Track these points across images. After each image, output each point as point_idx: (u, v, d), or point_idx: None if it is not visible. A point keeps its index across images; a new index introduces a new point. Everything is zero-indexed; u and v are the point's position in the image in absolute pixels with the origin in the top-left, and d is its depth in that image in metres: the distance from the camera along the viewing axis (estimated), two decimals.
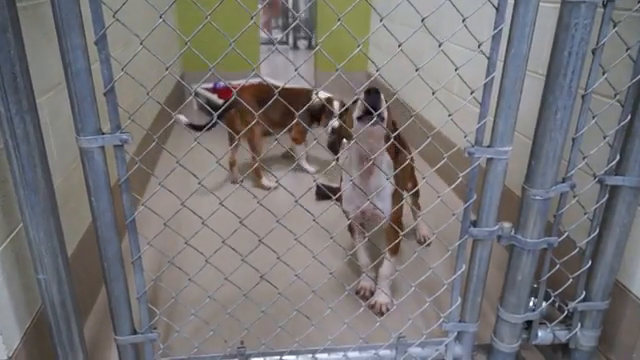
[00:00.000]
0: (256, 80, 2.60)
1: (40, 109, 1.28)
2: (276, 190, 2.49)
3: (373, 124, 1.25)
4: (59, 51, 0.89)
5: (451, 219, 1.19)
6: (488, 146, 1.07)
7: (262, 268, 1.14)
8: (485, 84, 1.03)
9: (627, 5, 1.15)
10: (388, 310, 1.58)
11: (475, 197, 1.12)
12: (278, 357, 1.24)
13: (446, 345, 1.27)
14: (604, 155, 1.17)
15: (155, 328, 1.17)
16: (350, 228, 1.70)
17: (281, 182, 1.11)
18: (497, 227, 1.15)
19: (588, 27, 0.97)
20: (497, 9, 0.97)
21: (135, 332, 1.16)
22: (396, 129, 1.44)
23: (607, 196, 1.19)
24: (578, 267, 1.25)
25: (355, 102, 1.35)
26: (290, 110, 1.09)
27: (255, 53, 4.23)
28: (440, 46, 0.99)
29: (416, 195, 2.00)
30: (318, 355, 1.25)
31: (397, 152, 1.49)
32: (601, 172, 1.16)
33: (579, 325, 1.30)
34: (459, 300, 1.22)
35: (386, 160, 1.49)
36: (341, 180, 1.63)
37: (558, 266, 1.24)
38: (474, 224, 1.15)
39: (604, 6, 1.01)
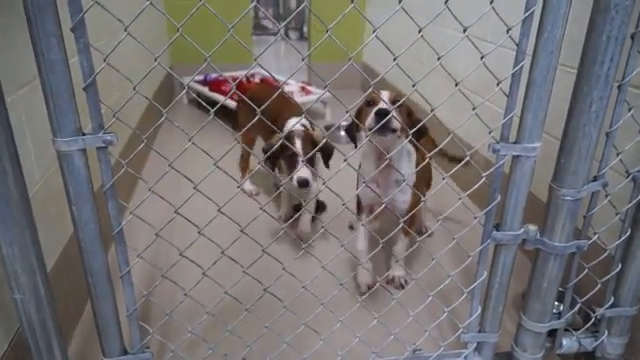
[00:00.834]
0: (257, 77, 2.44)
1: (14, 106, 1.15)
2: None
3: (384, 135, 1.27)
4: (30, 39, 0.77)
5: (457, 215, 1.09)
6: (514, 142, 0.97)
7: (263, 278, 1.03)
8: (513, 74, 0.92)
9: None
10: (407, 283, 1.61)
11: (499, 198, 1.02)
12: None
13: (465, 357, 1.18)
14: (636, 151, 1.08)
15: (148, 347, 1.07)
16: (358, 208, 1.60)
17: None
18: (522, 231, 1.05)
19: (629, 9, 0.86)
20: None
21: (126, 352, 1.05)
22: (412, 118, 1.37)
23: None
24: (603, 271, 1.16)
25: (369, 104, 1.31)
26: (275, 118, 0.97)
27: (248, 43, 4.10)
28: (465, 32, 0.88)
29: (427, 186, 1.91)
30: None
31: (419, 136, 1.37)
32: (635, 169, 1.07)
33: (606, 332, 1.21)
34: (479, 309, 1.13)
35: (406, 149, 1.40)
36: (360, 167, 1.52)
37: (586, 271, 1.15)
38: (496, 227, 1.05)
39: None
